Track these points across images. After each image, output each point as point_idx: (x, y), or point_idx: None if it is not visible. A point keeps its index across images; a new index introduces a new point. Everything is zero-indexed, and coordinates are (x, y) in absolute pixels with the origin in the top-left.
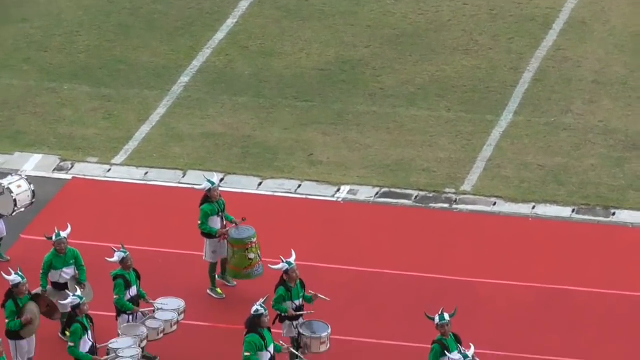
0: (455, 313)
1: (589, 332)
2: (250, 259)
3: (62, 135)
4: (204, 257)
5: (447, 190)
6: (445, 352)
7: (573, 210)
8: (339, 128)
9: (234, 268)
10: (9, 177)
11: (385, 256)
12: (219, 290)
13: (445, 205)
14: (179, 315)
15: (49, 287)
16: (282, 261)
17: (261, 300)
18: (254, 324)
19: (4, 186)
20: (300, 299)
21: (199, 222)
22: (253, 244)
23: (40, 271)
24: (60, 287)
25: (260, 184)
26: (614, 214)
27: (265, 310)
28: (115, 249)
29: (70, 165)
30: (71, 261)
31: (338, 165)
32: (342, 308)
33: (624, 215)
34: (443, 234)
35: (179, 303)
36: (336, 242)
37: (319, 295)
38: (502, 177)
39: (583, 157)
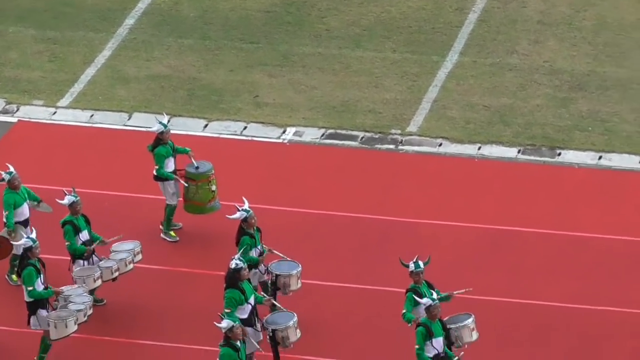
0: (429, 262)
1: (534, 273)
2: (213, 191)
3: (7, 78)
4: (167, 202)
5: (393, 131)
6: (419, 299)
7: (519, 151)
8: (285, 70)
9: (197, 204)
10: None
11: (332, 198)
12: (172, 233)
13: (391, 146)
14: (135, 255)
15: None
16: (239, 209)
17: (238, 253)
18: (234, 278)
19: None
20: (262, 244)
21: (157, 166)
22: (213, 176)
23: (5, 212)
24: (24, 224)
25: (206, 126)
26: (559, 154)
27: (244, 263)
28: (67, 192)
29: (15, 109)
30: (25, 196)
31: (284, 107)
32: (290, 250)
33: (570, 156)
34: (389, 175)
35: (134, 244)
36: (283, 185)
37: (274, 251)
38: (448, 118)
39: (529, 97)
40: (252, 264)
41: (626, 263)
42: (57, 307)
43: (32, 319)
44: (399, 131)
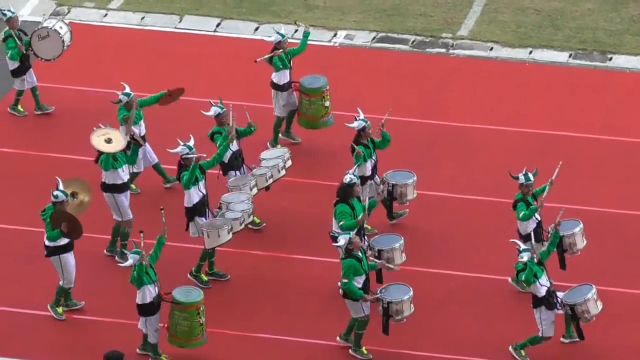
0: (537, 173)
1: (585, 178)
2: (326, 107)
3: None
4: (274, 113)
5: (444, 35)
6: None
7: (570, 56)
8: None
9: (311, 118)
10: (48, 20)
11: (382, 102)
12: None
13: (442, 50)
14: (285, 162)
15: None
16: (357, 119)
17: (354, 169)
18: (346, 193)
19: (49, 28)
20: (375, 155)
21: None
22: (328, 92)
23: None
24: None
25: (257, 29)
26: (610, 59)
27: (358, 179)
28: (213, 103)
29: (67, 11)
30: (141, 115)
31: (335, 10)
32: (337, 155)
33: (621, 60)
34: (440, 79)
35: (282, 150)
36: (334, 88)
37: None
38: (499, 22)
39: (580, 1)
40: (366, 178)
41: None
42: (217, 214)
43: (191, 226)
44: (450, 35)
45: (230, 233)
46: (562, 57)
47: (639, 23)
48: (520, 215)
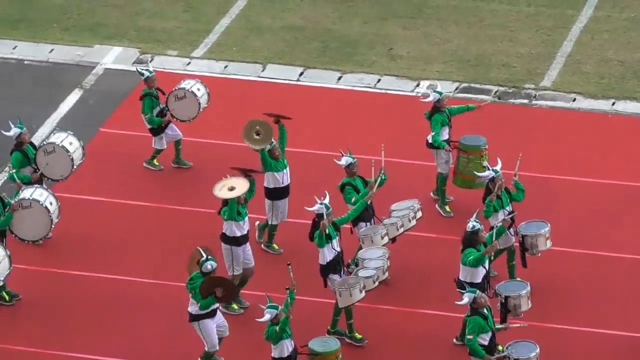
0: None
1: None
2: (484, 166)
3: (142, 27)
4: (438, 170)
5: (527, 85)
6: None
7: None
8: (419, 22)
9: (467, 177)
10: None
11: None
12: (447, 208)
13: (525, 101)
14: (415, 212)
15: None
16: (489, 169)
17: (474, 215)
18: (472, 240)
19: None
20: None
21: (433, 133)
22: (486, 151)
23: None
24: None
25: (340, 78)
26: None
27: (481, 225)
28: (343, 153)
29: (150, 58)
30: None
31: (418, 60)
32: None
33: None
34: (522, 129)
35: (412, 202)
36: (416, 138)
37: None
38: (582, 73)
39: None
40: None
41: None
42: (353, 271)
43: (329, 282)
44: (533, 85)
45: (363, 292)
46: None
47: None
48: None
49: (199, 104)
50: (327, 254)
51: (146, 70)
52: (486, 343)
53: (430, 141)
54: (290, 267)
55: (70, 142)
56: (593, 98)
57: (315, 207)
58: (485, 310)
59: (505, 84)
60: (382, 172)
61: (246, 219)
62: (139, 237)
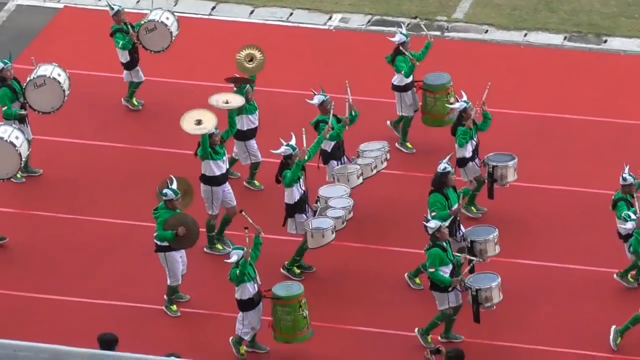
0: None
1: (580, 160)
2: (451, 103)
3: None
4: (400, 113)
5: (439, 18)
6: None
7: (565, 38)
8: None
9: (436, 116)
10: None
11: (379, 85)
12: (409, 145)
13: (437, 33)
14: (386, 153)
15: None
16: (460, 100)
17: (447, 157)
18: (441, 182)
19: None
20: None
21: (401, 72)
22: (452, 88)
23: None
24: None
25: (252, 12)
26: (605, 41)
27: (452, 168)
28: (315, 92)
29: None
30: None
31: None
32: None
33: (616, 43)
34: (435, 61)
35: (382, 144)
36: (329, 71)
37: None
38: (494, 4)
39: None
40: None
41: None
42: (317, 210)
43: (289, 223)
44: (445, 18)
45: (334, 233)
46: (557, 39)
47: (634, 6)
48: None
49: (171, 32)
50: (295, 194)
51: (115, 5)
52: (447, 277)
53: (395, 83)
54: (244, 213)
55: (59, 74)
56: (505, 30)
57: (282, 149)
58: (444, 244)
59: (417, 17)
60: (353, 108)
61: (224, 157)
62: (118, 179)
